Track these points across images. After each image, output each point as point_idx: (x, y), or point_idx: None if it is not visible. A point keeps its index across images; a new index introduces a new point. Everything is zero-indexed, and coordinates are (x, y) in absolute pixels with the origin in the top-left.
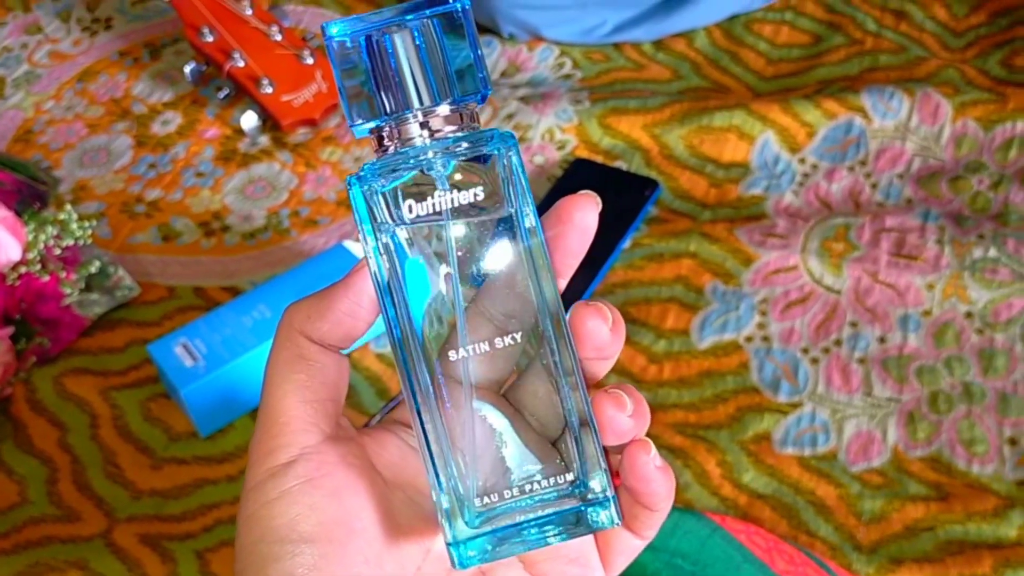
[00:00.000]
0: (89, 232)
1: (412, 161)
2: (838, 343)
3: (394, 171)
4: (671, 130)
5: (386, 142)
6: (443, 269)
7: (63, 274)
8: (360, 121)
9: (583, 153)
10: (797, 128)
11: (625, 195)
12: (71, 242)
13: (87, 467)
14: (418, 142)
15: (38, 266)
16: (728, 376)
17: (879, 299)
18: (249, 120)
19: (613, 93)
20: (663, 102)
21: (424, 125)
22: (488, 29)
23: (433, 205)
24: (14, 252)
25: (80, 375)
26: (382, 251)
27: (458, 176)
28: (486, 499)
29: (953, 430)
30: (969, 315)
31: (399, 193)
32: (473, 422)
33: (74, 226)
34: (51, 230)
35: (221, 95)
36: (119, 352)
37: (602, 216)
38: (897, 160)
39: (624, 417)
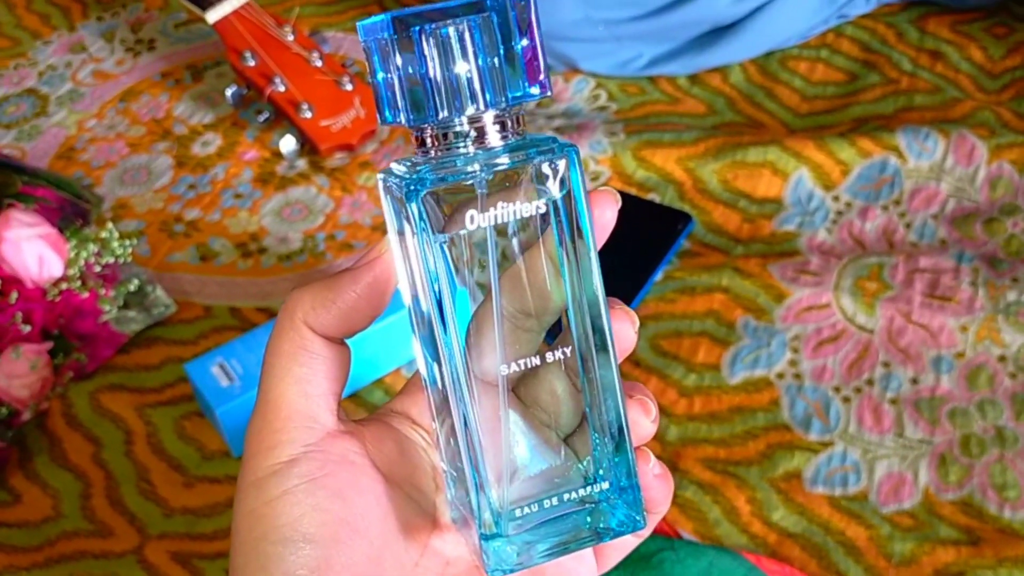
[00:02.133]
0: (130, 251)
1: (461, 172)
2: (870, 383)
3: (443, 178)
4: (705, 164)
5: (429, 143)
6: (486, 279)
7: (102, 291)
8: (399, 119)
9: (617, 185)
10: (832, 166)
11: (658, 228)
12: (111, 260)
13: (120, 483)
14: (469, 150)
15: (78, 283)
16: (759, 412)
17: (912, 339)
18: (288, 144)
19: (648, 126)
20: (697, 136)
21: (478, 131)
22: None
23: (485, 218)
24: (56, 268)
25: (116, 392)
26: (428, 255)
27: (509, 188)
28: (526, 508)
29: (985, 474)
30: (1003, 359)
31: (451, 202)
32: (508, 427)
33: (115, 244)
34: (92, 247)
35: (261, 118)
36: (155, 370)
37: (634, 248)
38: (932, 200)
39: (648, 423)
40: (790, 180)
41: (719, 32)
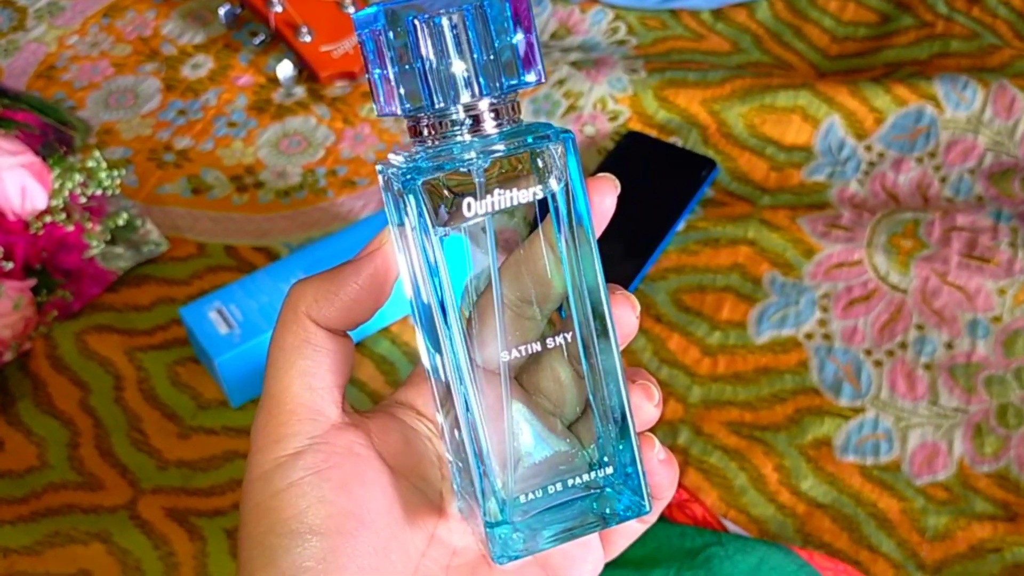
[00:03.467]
0: (118, 182)
1: (458, 159)
2: (903, 346)
3: (440, 167)
4: (731, 107)
5: (425, 133)
6: (486, 269)
7: (88, 224)
8: (395, 110)
9: (636, 126)
10: (865, 113)
11: (680, 174)
12: (98, 191)
13: (111, 432)
14: (465, 138)
15: (63, 215)
16: (786, 374)
17: (947, 301)
18: (285, 69)
19: (670, 63)
20: (724, 76)
21: (474, 119)
22: None
23: (482, 205)
24: (39, 200)
25: (104, 332)
26: (428, 247)
27: (506, 175)
28: (531, 495)
29: (1022, 446)
30: None
31: (449, 191)
32: (511, 415)
33: (102, 174)
34: (78, 177)
35: (256, 41)
36: (146, 310)
37: (656, 195)
38: (969, 154)
39: (651, 407)
40: (821, 127)
41: None
